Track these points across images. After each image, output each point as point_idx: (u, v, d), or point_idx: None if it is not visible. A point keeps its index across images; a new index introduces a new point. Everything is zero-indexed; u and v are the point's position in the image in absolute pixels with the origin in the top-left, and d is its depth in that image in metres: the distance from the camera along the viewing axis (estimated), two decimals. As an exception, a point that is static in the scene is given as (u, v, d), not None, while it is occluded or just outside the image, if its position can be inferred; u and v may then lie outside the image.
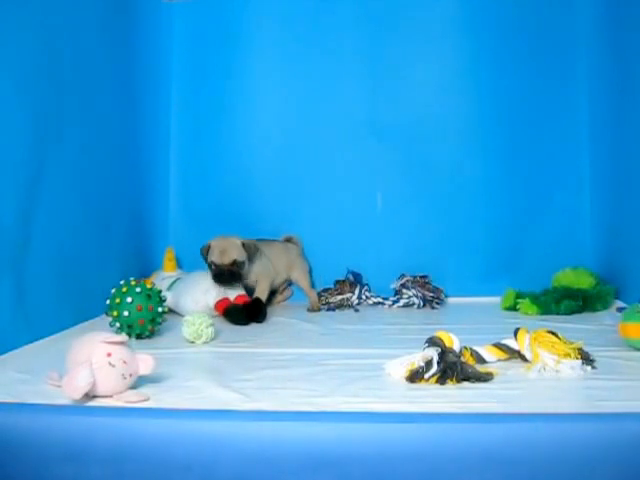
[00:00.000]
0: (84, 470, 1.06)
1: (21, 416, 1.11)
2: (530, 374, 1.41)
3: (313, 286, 2.41)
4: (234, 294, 2.13)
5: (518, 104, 2.46)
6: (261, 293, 2.18)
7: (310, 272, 2.44)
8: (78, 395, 1.19)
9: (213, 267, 2.13)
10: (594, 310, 2.12)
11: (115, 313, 1.76)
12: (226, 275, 2.11)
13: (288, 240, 2.43)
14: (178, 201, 2.60)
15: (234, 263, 2.11)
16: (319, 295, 2.36)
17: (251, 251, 2.16)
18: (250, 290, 2.20)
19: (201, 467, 1.05)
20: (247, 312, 2.06)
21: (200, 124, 2.59)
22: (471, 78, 2.48)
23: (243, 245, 2.15)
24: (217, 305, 2.08)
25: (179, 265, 2.39)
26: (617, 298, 2.18)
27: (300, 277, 2.38)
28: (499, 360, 1.50)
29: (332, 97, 2.52)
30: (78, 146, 1.96)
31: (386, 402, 1.23)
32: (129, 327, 1.75)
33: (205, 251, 2.17)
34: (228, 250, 2.12)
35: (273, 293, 2.37)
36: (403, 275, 2.37)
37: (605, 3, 2.33)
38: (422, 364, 1.37)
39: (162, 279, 2.24)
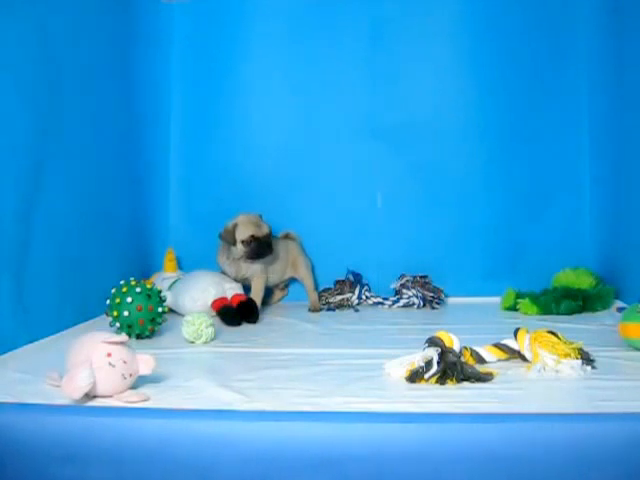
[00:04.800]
0: (84, 470, 1.06)
1: (21, 416, 1.11)
2: (530, 374, 1.41)
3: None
4: (232, 292, 2.12)
5: (518, 104, 2.46)
6: (255, 293, 2.18)
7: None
8: (78, 395, 1.19)
9: (252, 241, 2.12)
10: (594, 310, 2.12)
11: (115, 313, 1.76)
12: (265, 246, 2.14)
13: (286, 236, 2.43)
14: (178, 201, 2.59)
15: (270, 233, 2.16)
16: (319, 295, 2.36)
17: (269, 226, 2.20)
18: (246, 287, 2.20)
19: (201, 467, 1.05)
20: (240, 313, 2.06)
21: (200, 124, 2.58)
22: (471, 78, 2.48)
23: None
24: (213, 304, 2.08)
25: (179, 265, 2.39)
26: (617, 298, 2.18)
27: (305, 276, 2.38)
28: (499, 360, 1.50)
29: (333, 97, 2.51)
30: (78, 146, 1.96)
31: (386, 402, 1.23)
32: (129, 327, 1.75)
33: (231, 231, 2.14)
34: (261, 223, 2.16)
35: (270, 291, 2.37)
36: (403, 275, 2.37)
37: (606, 5, 2.33)
38: (422, 364, 1.37)
39: (162, 279, 2.24)
